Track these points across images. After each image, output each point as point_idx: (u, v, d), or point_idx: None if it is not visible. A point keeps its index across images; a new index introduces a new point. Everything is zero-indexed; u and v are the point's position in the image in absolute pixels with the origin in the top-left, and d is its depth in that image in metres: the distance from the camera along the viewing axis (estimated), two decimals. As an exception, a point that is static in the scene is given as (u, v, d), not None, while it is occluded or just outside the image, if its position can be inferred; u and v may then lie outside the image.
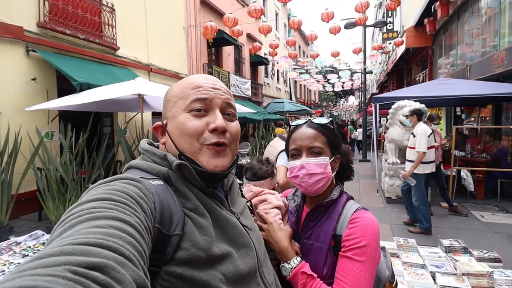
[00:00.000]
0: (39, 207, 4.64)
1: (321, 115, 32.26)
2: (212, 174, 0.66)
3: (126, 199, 0.50)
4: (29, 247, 1.90)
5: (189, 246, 0.56)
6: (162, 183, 0.62)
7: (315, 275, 0.88)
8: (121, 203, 0.48)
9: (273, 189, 1.27)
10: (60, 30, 5.75)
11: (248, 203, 0.83)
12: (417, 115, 4.41)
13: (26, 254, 1.79)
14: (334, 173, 1.00)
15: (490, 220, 4.58)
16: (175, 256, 0.55)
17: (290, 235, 0.98)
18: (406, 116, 4.99)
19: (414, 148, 4.20)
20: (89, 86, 5.07)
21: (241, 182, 1.37)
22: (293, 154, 1.00)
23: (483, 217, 4.72)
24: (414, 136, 4.23)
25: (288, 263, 0.91)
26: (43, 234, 2.07)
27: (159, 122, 0.71)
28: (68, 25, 5.91)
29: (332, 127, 1.03)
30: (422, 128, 4.17)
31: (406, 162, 4.48)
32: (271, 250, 0.99)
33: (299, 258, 0.92)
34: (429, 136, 4.14)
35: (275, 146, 2.51)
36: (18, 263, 1.67)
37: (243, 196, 0.82)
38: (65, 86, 5.59)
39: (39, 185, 4.39)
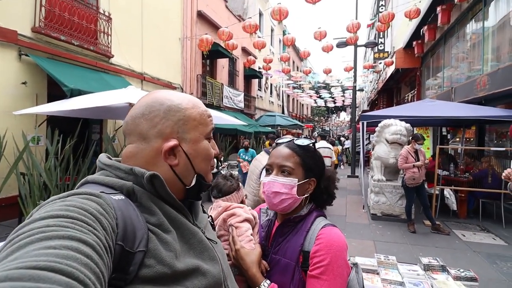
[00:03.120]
0: (19, 213, 4.53)
1: (313, 130, 32.60)
2: (210, 185, 0.76)
3: (85, 216, 0.46)
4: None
5: (153, 263, 0.54)
6: (123, 197, 0.59)
7: None
8: (78, 220, 0.45)
9: (242, 202, 1.29)
10: (55, 35, 5.77)
11: (209, 219, 0.84)
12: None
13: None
14: (305, 196, 1.00)
15: (471, 239, 4.66)
16: (139, 274, 0.52)
17: (258, 258, 0.97)
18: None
19: None
20: (80, 93, 5.06)
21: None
22: (267, 169, 1.04)
23: (464, 236, 4.81)
24: None
25: None
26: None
27: (175, 142, 0.65)
28: (63, 31, 5.93)
29: (312, 149, 1.04)
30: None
31: None
32: (236, 267, 0.99)
33: (267, 282, 0.91)
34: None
35: (261, 160, 2.54)
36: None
37: (204, 212, 0.83)
38: (55, 92, 5.56)
39: (21, 190, 4.30)
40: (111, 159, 0.68)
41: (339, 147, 11.80)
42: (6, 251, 0.38)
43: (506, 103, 5.96)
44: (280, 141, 1.09)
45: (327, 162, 6.82)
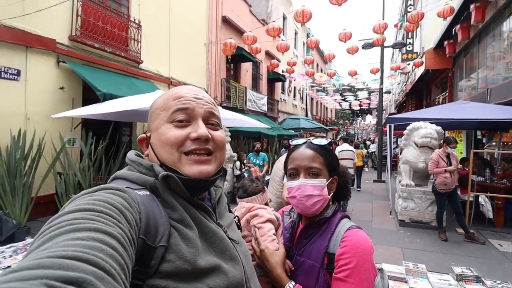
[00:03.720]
0: (55, 211, 4.83)
1: (337, 133, 31.98)
2: (195, 181, 0.64)
3: (110, 210, 0.49)
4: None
5: (174, 258, 0.55)
6: (148, 193, 0.61)
7: None
8: (104, 214, 0.47)
9: (266, 204, 1.30)
10: (90, 43, 6.14)
11: (235, 219, 0.84)
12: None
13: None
14: (331, 194, 1.00)
15: (509, 249, 4.35)
16: (159, 268, 0.53)
17: (283, 258, 0.98)
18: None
19: None
20: (112, 97, 5.34)
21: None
22: (291, 173, 1.01)
23: (501, 246, 4.49)
24: None
25: None
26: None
27: (143, 135, 0.72)
28: (97, 39, 6.30)
29: (331, 148, 1.04)
30: None
31: None
32: (260, 268, 1.00)
33: (292, 283, 0.92)
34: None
35: (283, 162, 2.54)
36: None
37: (230, 211, 0.83)
38: (90, 96, 5.90)
39: (57, 189, 4.59)
40: (139, 155, 0.71)
41: (364, 150, 11.62)
42: (39, 241, 0.41)
43: (549, 104, 5.52)
44: (295, 142, 1.07)
45: (350, 164, 7.20)
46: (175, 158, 0.65)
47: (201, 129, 0.67)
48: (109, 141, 5.54)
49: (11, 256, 1.77)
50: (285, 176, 2.40)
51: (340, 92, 23.42)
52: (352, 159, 7.31)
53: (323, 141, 1.02)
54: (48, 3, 5.39)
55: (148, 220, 0.55)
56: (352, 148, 7.70)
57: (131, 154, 0.71)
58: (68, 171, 4.77)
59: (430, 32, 12.48)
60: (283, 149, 7.66)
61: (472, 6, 7.66)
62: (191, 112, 0.68)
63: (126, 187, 0.57)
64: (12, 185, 4.21)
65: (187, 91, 0.72)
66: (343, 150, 7.44)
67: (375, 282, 0.91)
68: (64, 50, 5.81)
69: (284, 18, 18.23)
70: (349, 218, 1.02)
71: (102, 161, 5.08)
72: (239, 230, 0.84)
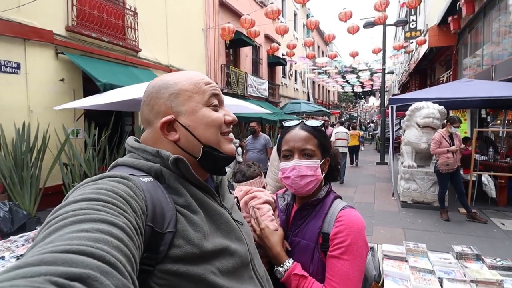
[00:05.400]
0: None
1: (340, 116, 31.79)
2: (231, 158, 0.72)
3: (115, 199, 0.48)
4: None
5: (182, 243, 0.56)
6: (152, 180, 0.61)
7: (307, 274, 0.91)
8: (109, 203, 0.47)
9: (263, 188, 1.33)
10: (87, 33, 6.08)
11: (235, 200, 0.86)
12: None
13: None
14: (323, 175, 1.02)
15: (511, 228, 4.40)
16: (169, 253, 0.54)
17: (281, 238, 1.01)
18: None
19: None
20: (112, 87, 5.33)
21: None
22: (285, 155, 1.02)
23: (503, 224, 4.54)
24: None
25: (282, 266, 0.94)
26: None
27: (169, 117, 0.66)
28: (94, 29, 6.23)
29: (323, 130, 1.05)
30: None
31: None
32: (258, 247, 1.04)
33: (291, 261, 0.95)
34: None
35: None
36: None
37: (231, 193, 0.85)
38: (90, 87, 5.90)
39: (64, 179, 4.68)
40: (138, 141, 0.70)
41: (360, 132, 12.19)
42: (44, 233, 0.40)
43: (556, 80, 5.42)
44: (287, 124, 1.07)
45: (344, 143, 8.72)
46: (219, 138, 0.70)
47: (232, 114, 0.74)
48: (112, 131, 5.58)
49: (23, 245, 1.84)
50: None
51: (342, 74, 23.08)
52: (346, 139, 8.73)
53: (316, 123, 1.04)
54: (42, -7, 5.30)
55: (154, 207, 0.55)
56: (346, 130, 9.20)
57: (131, 141, 0.70)
58: (73, 162, 4.84)
59: (434, 8, 12.11)
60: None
61: (477, -20, 7.40)
62: (220, 98, 0.74)
63: (130, 175, 0.58)
64: (20, 177, 4.30)
65: (208, 78, 0.75)
66: (338, 131, 8.85)
67: (367, 259, 0.95)
68: (62, 41, 5.76)
69: (283, -1, 17.76)
70: (341, 198, 1.05)
71: (106, 151, 5.14)
72: (240, 211, 0.87)
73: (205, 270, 0.57)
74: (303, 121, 1.05)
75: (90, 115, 6.01)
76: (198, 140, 0.67)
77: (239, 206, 0.89)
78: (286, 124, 1.08)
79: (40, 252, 0.35)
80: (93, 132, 5.08)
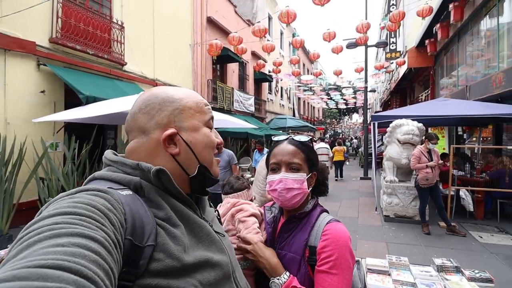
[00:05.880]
0: (39, 216, 4.71)
1: (325, 132, 32.35)
2: (217, 180, 0.74)
3: (93, 212, 0.47)
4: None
5: (163, 257, 0.54)
6: (131, 193, 0.59)
7: None
8: (86, 217, 0.45)
9: (250, 201, 1.34)
10: (71, 45, 6.01)
11: (215, 213, 0.86)
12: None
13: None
14: (310, 189, 1.04)
15: (488, 241, 4.53)
16: (149, 268, 0.53)
17: (273, 250, 1.02)
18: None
19: None
20: (95, 100, 5.24)
21: None
22: (273, 168, 1.05)
23: (481, 237, 4.67)
24: None
25: (278, 279, 0.93)
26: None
27: (173, 130, 0.67)
28: (78, 41, 6.18)
29: (311, 145, 1.09)
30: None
31: None
32: (246, 260, 1.04)
33: (288, 273, 0.94)
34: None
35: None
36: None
37: (211, 206, 0.85)
38: (72, 99, 5.78)
39: (40, 194, 4.48)
40: (117, 155, 0.69)
41: (344, 147, 12.91)
42: (16, 249, 0.39)
43: (524, 100, 5.77)
44: (276, 138, 1.11)
45: (325, 158, 9.57)
46: (212, 159, 0.73)
47: (220, 136, 0.76)
48: (93, 144, 5.44)
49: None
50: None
51: (327, 91, 23.71)
52: (327, 154, 9.72)
53: (303, 138, 1.07)
54: (27, 4, 5.25)
55: (134, 220, 0.54)
56: (327, 146, 10.30)
57: (110, 154, 0.68)
58: (51, 176, 4.66)
59: (412, 31, 12.79)
60: (256, 150, 7.45)
61: (451, 6, 7.92)
62: (212, 121, 0.76)
63: (107, 188, 0.56)
64: (-8, 192, 4.08)
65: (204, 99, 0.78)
66: (319, 147, 9.67)
67: (353, 272, 0.96)
68: (45, 52, 5.67)
69: (270, 18, 18.31)
70: (328, 212, 1.06)
71: (86, 165, 4.99)
72: (220, 224, 0.87)
73: (186, 283, 0.56)
74: (291, 136, 1.09)
75: (70, 128, 5.85)
76: (196, 157, 0.69)
77: (219, 219, 0.88)
78: (275, 138, 1.11)
79: (13, 268, 0.34)
80: (73, 146, 4.94)
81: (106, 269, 0.41)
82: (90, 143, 5.07)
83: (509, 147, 5.93)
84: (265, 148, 7.18)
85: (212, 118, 0.75)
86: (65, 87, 5.96)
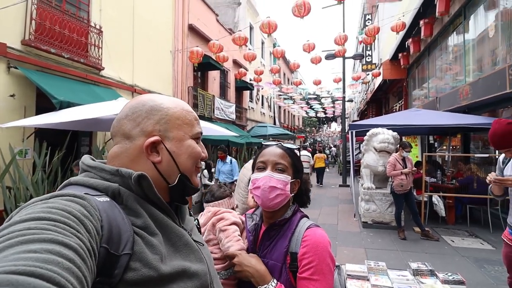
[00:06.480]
0: (4, 228, 4.42)
1: (305, 140, 32.88)
2: (197, 190, 0.75)
3: (68, 218, 0.45)
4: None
5: (139, 266, 0.53)
6: (108, 199, 0.58)
7: None
8: (60, 223, 0.44)
9: (232, 209, 1.33)
10: (45, 48, 5.78)
11: (195, 222, 0.86)
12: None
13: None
14: (292, 194, 1.05)
15: (460, 244, 4.73)
16: (124, 277, 0.51)
17: (259, 258, 1.02)
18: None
19: None
20: (69, 105, 5.05)
21: None
22: (259, 166, 1.06)
23: (453, 241, 4.87)
24: None
25: (266, 287, 0.93)
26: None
27: (157, 138, 0.66)
28: (53, 44, 5.95)
29: (298, 154, 1.12)
30: None
31: None
32: (228, 269, 1.03)
33: (275, 280, 0.94)
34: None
35: (249, 168, 2.57)
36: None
37: (191, 215, 0.85)
38: (44, 104, 5.53)
39: (6, 205, 4.22)
40: (95, 160, 0.67)
41: (324, 155, 13.52)
42: None
43: (489, 111, 6.17)
44: (267, 143, 1.14)
45: (306, 165, 10.07)
46: (193, 170, 0.73)
47: (206, 151, 0.77)
48: (66, 151, 5.21)
49: None
50: (249, 182, 2.44)
51: (306, 100, 24.21)
52: (308, 161, 10.48)
53: (292, 146, 1.11)
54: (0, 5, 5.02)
55: (110, 228, 0.52)
56: (308, 154, 11.02)
57: (87, 160, 0.66)
58: (19, 185, 4.40)
59: (387, 45, 13.41)
60: (219, 159, 6.47)
61: (421, 22, 8.40)
62: (201, 135, 0.78)
63: (84, 194, 0.54)
64: (-49, 202, 3.78)
65: (194, 113, 0.78)
66: (302, 155, 10.50)
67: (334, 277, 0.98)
68: (16, 55, 5.41)
69: (251, 28, 18.57)
70: (308, 217, 1.07)
71: (58, 173, 4.76)
72: (200, 234, 0.86)
73: None
74: (281, 143, 1.12)
75: (42, 134, 5.58)
76: (178, 167, 0.69)
77: (199, 228, 0.87)
78: (265, 143, 1.15)
79: None
80: (44, 152, 4.70)
81: (80, 277, 0.40)
82: (63, 150, 4.86)
83: (476, 155, 6.29)
84: (227, 156, 6.46)
85: (201, 133, 0.76)
86: (37, 91, 5.70)
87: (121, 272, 0.51)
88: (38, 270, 0.34)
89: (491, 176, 2.34)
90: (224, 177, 6.24)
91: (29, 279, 0.33)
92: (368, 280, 2.16)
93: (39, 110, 5.64)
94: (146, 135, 0.67)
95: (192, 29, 11.57)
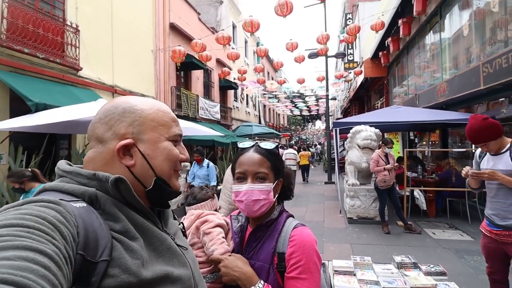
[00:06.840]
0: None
1: (290, 139, 33.13)
2: (178, 193, 0.73)
3: (42, 225, 0.44)
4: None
5: (118, 273, 0.51)
6: (85, 205, 0.56)
7: None
8: (35, 229, 0.42)
9: (215, 211, 1.31)
10: (18, 48, 5.52)
11: (180, 225, 0.84)
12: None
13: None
14: (276, 196, 1.04)
15: (441, 237, 4.90)
16: (102, 284, 0.50)
17: (244, 259, 1.01)
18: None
19: None
20: (46, 107, 4.85)
21: None
22: (238, 177, 1.02)
23: (434, 234, 5.04)
24: None
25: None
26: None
27: (129, 141, 0.64)
28: (27, 44, 5.69)
29: (277, 152, 1.08)
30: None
31: None
32: (213, 272, 1.02)
33: (262, 282, 0.93)
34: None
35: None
36: None
37: (175, 218, 0.83)
38: (19, 107, 5.28)
39: (-21, 212, 4.00)
40: (71, 165, 0.65)
41: (309, 152, 13.87)
42: None
43: (465, 107, 6.42)
44: (242, 145, 1.09)
45: (293, 162, 10.63)
46: (172, 173, 0.70)
47: (187, 153, 0.75)
48: (44, 155, 5.01)
49: None
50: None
51: (291, 99, 24.39)
52: (295, 159, 10.80)
53: (270, 145, 1.06)
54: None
55: (87, 234, 0.51)
56: (294, 151, 11.45)
57: (63, 165, 0.65)
58: (-8, 192, 4.18)
59: (367, 43, 13.69)
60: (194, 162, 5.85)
61: (400, 21, 8.62)
62: (181, 137, 0.75)
63: (59, 199, 0.52)
64: None
65: (173, 113, 0.75)
66: (288, 153, 10.99)
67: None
68: (-14, 55, 5.15)
69: (234, 27, 18.49)
70: (293, 217, 1.07)
71: (36, 178, 4.56)
72: (185, 237, 0.85)
73: None
74: (257, 144, 1.07)
75: (17, 138, 5.34)
76: (153, 170, 0.67)
77: (184, 232, 0.85)
78: (241, 145, 1.09)
79: None
80: (20, 157, 4.50)
81: (56, 284, 0.39)
82: (40, 154, 4.66)
83: (454, 150, 6.53)
84: (204, 159, 5.87)
85: (180, 135, 0.73)
86: (10, 94, 5.44)
87: (98, 280, 0.50)
88: (12, 278, 0.33)
89: (466, 170, 2.43)
90: (200, 182, 5.62)
91: (3, 286, 0.32)
92: (354, 275, 2.20)
93: (14, 113, 5.39)
94: (118, 138, 0.65)
95: (174, 28, 11.38)
